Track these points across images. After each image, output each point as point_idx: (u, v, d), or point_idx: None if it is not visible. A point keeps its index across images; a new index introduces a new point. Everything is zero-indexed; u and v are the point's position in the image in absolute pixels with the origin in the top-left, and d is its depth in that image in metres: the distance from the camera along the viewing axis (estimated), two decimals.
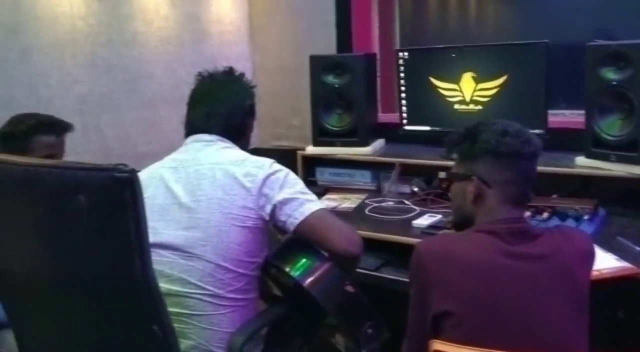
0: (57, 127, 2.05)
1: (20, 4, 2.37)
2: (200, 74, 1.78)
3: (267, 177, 1.56)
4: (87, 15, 2.61)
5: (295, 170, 1.69)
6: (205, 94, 1.73)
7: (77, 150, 2.33)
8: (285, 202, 1.55)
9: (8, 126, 2.02)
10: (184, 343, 1.45)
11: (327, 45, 3.15)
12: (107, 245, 1.19)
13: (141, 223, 1.16)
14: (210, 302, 1.52)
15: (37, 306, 1.39)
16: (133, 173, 1.14)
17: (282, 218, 1.55)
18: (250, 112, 1.77)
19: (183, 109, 1.78)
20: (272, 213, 1.55)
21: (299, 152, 2.83)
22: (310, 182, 2.72)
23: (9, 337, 1.51)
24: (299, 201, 1.56)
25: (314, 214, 1.56)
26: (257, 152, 1.69)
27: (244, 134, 1.76)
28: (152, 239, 1.22)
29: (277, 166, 1.61)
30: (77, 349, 1.39)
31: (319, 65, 2.71)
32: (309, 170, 2.82)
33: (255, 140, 1.85)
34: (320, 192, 2.68)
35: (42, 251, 1.27)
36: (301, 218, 1.55)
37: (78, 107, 2.24)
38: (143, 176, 1.51)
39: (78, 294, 1.29)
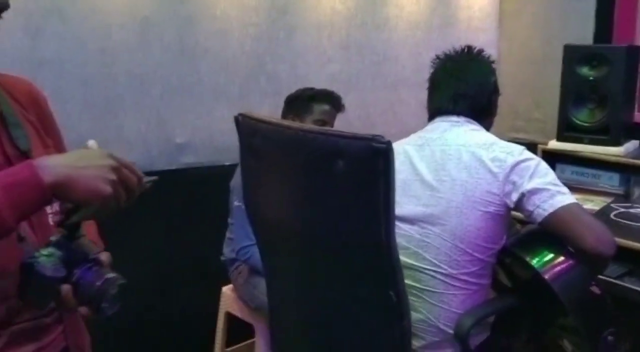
0: (335, 101, 2.28)
1: None
2: (437, 57, 1.77)
3: (517, 164, 1.52)
4: None
5: None
6: (448, 76, 1.71)
7: None
8: (534, 191, 1.49)
9: (295, 93, 2.29)
10: (413, 315, 1.48)
11: (583, 35, 2.93)
12: (357, 208, 1.27)
13: (390, 193, 1.22)
14: (443, 280, 1.54)
15: (285, 255, 1.54)
16: (389, 145, 1.19)
17: (530, 208, 1.50)
18: (495, 89, 1.74)
19: (423, 93, 1.79)
20: (519, 202, 1.51)
21: (541, 146, 2.69)
22: None
23: (264, 282, 1.70)
24: (550, 192, 1.49)
25: (565, 207, 1.48)
26: None
27: (490, 113, 1.75)
28: None
29: (528, 154, 1.56)
30: (314, 301, 1.51)
31: (574, 55, 2.56)
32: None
33: (491, 131, 1.81)
34: None
35: (299, 205, 1.40)
36: (550, 210, 1.48)
37: (329, 85, 2.39)
38: None
39: (323, 250, 1.40)
